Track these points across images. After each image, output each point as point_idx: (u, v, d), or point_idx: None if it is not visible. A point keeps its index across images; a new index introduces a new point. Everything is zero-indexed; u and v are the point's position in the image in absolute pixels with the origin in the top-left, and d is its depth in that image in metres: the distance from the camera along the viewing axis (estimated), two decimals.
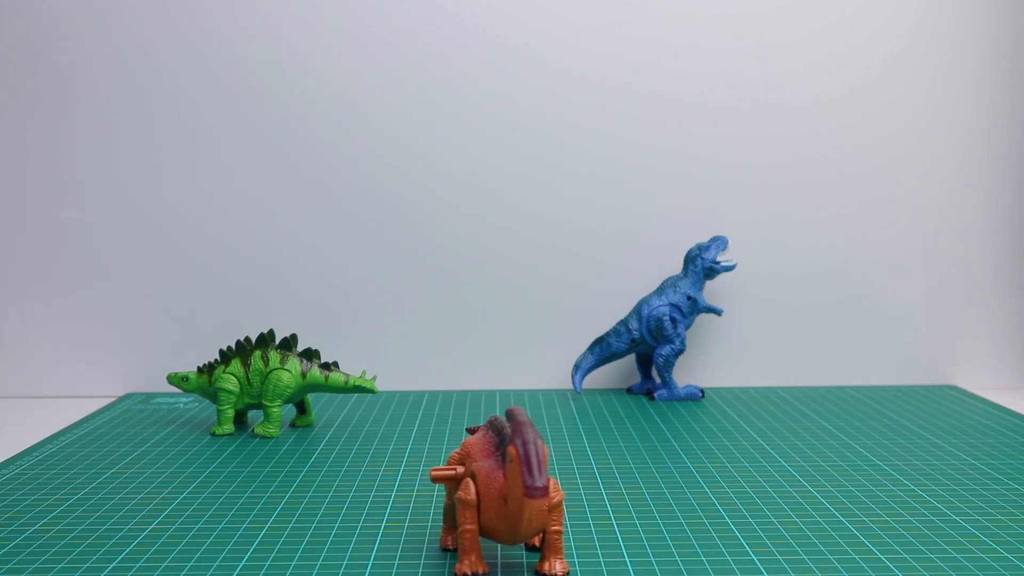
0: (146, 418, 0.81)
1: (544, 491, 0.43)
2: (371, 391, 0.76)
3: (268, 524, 0.56)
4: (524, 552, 0.51)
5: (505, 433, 0.48)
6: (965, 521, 0.55)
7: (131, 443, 0.73)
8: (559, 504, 0.48)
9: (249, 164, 0.90)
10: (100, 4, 0.89)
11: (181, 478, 0.64)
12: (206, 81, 0.90)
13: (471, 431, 0.54)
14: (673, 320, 0.85)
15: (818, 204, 0.92)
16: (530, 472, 0.43)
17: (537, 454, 0.43)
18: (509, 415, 0.46)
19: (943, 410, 0.82)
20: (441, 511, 0.58)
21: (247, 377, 0.75)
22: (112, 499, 0.60)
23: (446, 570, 0.49)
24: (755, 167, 0.92)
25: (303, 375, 0.74)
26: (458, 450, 0.51)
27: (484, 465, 0.48)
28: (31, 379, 0.92)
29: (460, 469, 0.50)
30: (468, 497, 0.47)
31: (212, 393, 0.76)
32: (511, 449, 0.44)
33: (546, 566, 0.48)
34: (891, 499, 0.59)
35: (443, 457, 0.69)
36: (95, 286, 0.91)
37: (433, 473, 0.50)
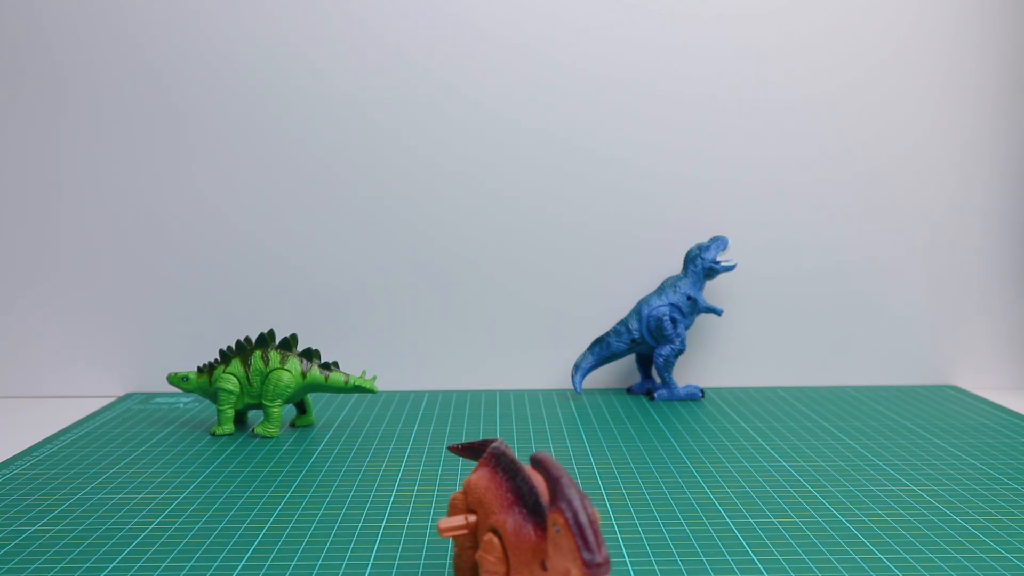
0: (146, 418, 0.81)
1: (607, 566, 0.36)
2: (371, 391, 0.76)
3: (268, 524, 0.56)
4: None
5: (522, 476, 0.41)
6: (965, 521, 0.55)
7: (131, 443, 0.73)
8: None
9: (249, 165, 0.90)
10: (101, 5, 0.89)
11: (181, 478, 0.64)
12: (209, 83, 0.90)
13: (455, 450, 0.48)
14: (673, 320, 0.85)
15: (818, 204, 0.92)
16: (587, 546, 0.36)
17: (591, 522, 0.37)
18: (541, 465, 0.39)
19: (943, 410, 0.82)
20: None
21: (247, 377, 0.75)
22: (112, 499, 0.60)
23: (446, 570, 0.49)
24: (755, 167, 0.92)
25: (303, 375, 0.74)
26: (460, 492, 0.44)
27: (508, 521, 0.40)
28: (31, 379, 0.92)
29: (472, 518, 0.42)
30: (494, 565, 0.40)
31: (212, 393, 0.76)
32: (556, 516, 0.37)
33: None
34: (891, 499, 0.59)
35: (443, 457, 0.69)
36: (95, 286, 0.91)
37: (442, 527, 0.43)
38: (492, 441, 0.45)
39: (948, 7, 0.91)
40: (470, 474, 0.45)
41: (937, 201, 0.92)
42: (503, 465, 0.42)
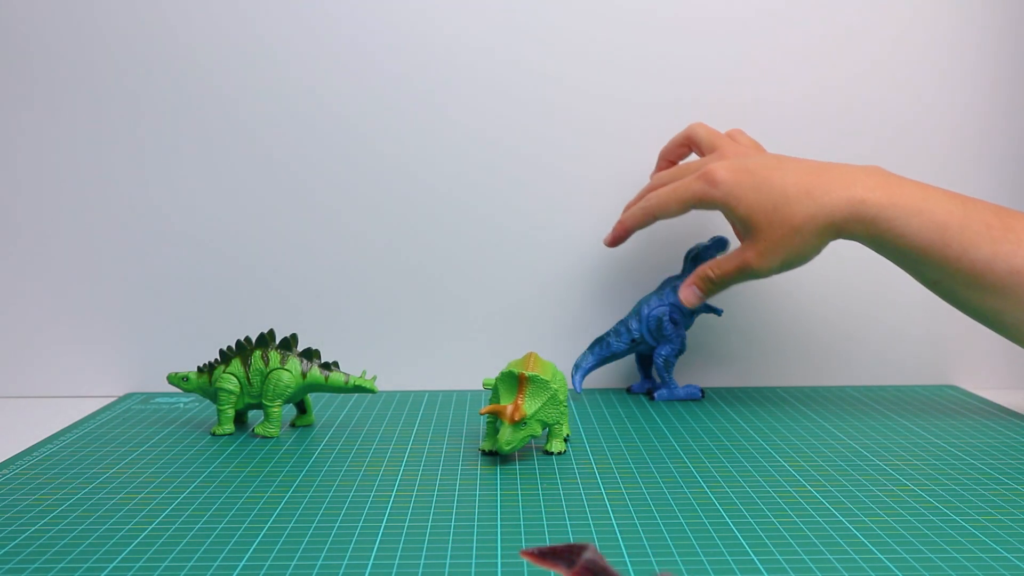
0: (146, 418, 0.81)
1: None
2: (371, 391, 0.76)
3: (268, 524, 0.56)
4: None
5: None
6: (965, 521, 0.55)
7: (131, 443, 0.73)
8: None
9: (249, 166, 0.90)
10: (94, 9, 0.89)
11: (181, 478, 0.64)
12: (209, 88, 0.90)
13: (531, 557, 0.37)
14: (673, 320, 0.85)
15: None
16: None
17: None
18: None
19: (943, 410, 0.82)
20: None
21: (247, 377, 0.75)
22: (112, 499, 0.60)
23: (445, 570, 0.49)
24: None
25: (303, 375, 0.74)
26: None
27: None
28: (31, 379, 0.92)
29: None
30: None
31: (212, 393, 0.76)
32: None
33: None
34: (891, 499, 0.59)
35: (443, 457, 0.69)
36: (95, 286, 0.91)
37: None
38: (582, 548, 0.36)
39: (948, 7, 0.91)
40: None
41: None
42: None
